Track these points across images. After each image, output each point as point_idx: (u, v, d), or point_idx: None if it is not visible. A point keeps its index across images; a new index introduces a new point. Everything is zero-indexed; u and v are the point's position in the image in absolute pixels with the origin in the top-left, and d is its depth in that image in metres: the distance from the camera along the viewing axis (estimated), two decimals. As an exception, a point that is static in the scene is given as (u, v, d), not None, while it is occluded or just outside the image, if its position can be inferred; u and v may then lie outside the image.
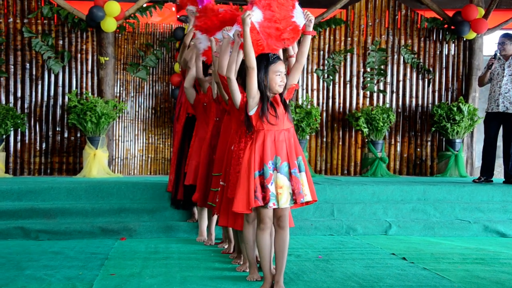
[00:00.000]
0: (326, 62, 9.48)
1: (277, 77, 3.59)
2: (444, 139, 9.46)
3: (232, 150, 4.15)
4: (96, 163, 8.13)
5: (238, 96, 3.90)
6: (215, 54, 4.36)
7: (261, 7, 3.65)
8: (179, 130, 5.94)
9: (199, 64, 5.09)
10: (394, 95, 9.63)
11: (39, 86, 8.84)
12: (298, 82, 3.71)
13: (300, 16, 3.66)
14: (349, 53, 9.52)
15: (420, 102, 9.66)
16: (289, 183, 3.50)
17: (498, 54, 7.37)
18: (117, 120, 9.01)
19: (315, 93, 9.47)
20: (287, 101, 3.65)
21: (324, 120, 9.47)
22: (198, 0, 5.33)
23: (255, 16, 3.62)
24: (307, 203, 3.58)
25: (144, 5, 8.87)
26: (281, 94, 3.61)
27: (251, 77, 3.57)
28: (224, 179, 4.19)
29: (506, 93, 7.25)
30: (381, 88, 9.59)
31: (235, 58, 3.79)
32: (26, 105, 8.80)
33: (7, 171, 8.54)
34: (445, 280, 3.93)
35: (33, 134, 8.83)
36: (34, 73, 8.83)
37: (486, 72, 7.39)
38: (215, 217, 5.29)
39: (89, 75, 8.94)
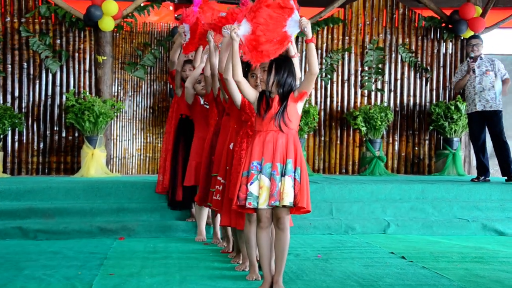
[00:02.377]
0: (324, 61, 9.48)
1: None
2: (442, 137, 9.46)
3: (231, 149, 4.15)
4: (94, 163, 8.11)
5: (238, 96, 3.91)
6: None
7: (250, 20, 3.61)
8: (170, 131, 5.87)
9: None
10: (392, 93, 9.63)
11: (37, 86, 8.81)
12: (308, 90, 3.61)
13: (295, 25, 3.54)
14: (347, 52, 9.51)
15: (417, 101, 9.66)
16: (270, 184, 3.48)
17: (474, 55, 7.42)
18: (115, 119, 8.98)
19: (313, 92, 9.45)
20: (298, 103, 3.57)
21: (322, 119, 9.47)
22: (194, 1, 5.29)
23: (242, 30, 3.59)
24: (302, 210, 3.51)
25: (142, 4, 8.85)
26: (283, 96, 3.55)
27: (241, 89, 3.67)
28: (224, 177, 4.18)
29: (481, 92, 7.35)
30: (379, 87, 9.59)
31: (231, 59, 3.78)
32: (23, 105, 8.77)
33: (4, 171, 8.50)
34: (444, 278, 3.94)
35: (30, 134, 8.80)
36: (31, 72, 8.80)
37: (466, 76, 7.44)
38: (218, 219, 5.23)
39: (87, 74, 8.91)
